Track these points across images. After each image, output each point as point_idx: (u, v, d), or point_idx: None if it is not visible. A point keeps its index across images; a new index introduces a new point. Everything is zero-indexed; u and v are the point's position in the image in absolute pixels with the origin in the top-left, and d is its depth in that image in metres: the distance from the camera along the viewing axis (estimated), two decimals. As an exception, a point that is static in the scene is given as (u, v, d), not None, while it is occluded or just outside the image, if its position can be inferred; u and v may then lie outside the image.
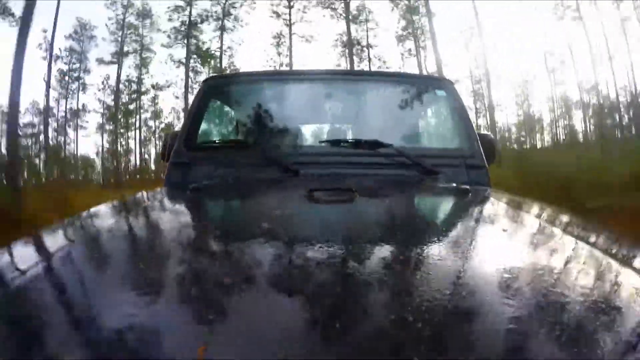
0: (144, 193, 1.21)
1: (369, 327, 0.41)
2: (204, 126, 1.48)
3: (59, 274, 0.57)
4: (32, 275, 0.55)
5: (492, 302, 0.45)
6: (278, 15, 12.43)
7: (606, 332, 0.42)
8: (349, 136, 1.39)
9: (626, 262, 0.62)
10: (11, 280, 0.55)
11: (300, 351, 0.37)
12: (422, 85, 1.64)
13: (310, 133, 1.49)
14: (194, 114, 1.47)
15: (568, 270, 0.57)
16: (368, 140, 1.28)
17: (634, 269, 0.58)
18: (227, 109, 1.68)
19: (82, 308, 0.46)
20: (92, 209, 0.93)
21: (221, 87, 1.62)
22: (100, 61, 11.61)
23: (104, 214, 0.91)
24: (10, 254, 0.65)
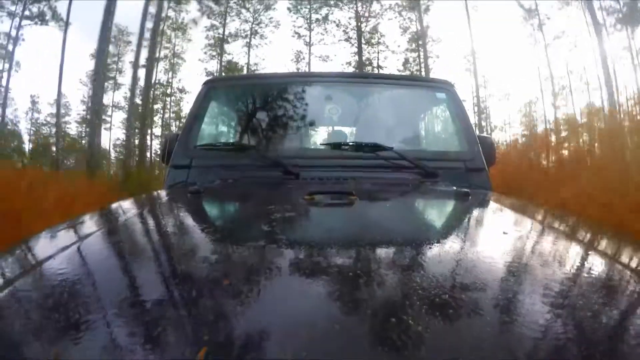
0: (144, 196, 1.21)
1: (370, 329, 0.41)
2: (204, 128, 1.48)
3: (57, 278, 0.57)
4: (22, 283, 0.55)
5: (493, 305, 0.45)
6: (299, 36, 14.11)
7: (609, 333, 0.42)
8: (350, 139, 1.39)
9: (629, 265, 0.62)
10: (5, 282, 0.55)
11: (301, 352, 0.37)
12: (423, 88, 1.63)
13: (311, 135, 1.49)
14: (194, 117, 1.47)
15: (569, 272, 0.56)
16: (368, 143, 1.28)
17: (636, 271, 0.58)
18: (227, 111, 1.68)
19: (86, 309, 0.46)
20: (89, 213, 0.93)
21: (221, 90, 1.62)
22: (134, 64, 12.80)
23: (102, 218, 0.91)
24: (7, 258, 0.65)
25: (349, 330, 0.40)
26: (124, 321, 0.43)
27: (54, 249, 0.66)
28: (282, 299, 0.46)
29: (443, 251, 0.62)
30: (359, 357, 0.37)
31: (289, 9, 14.38)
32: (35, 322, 0.45)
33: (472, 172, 1.33)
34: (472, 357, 0.37)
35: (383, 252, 0.62)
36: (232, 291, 0.48)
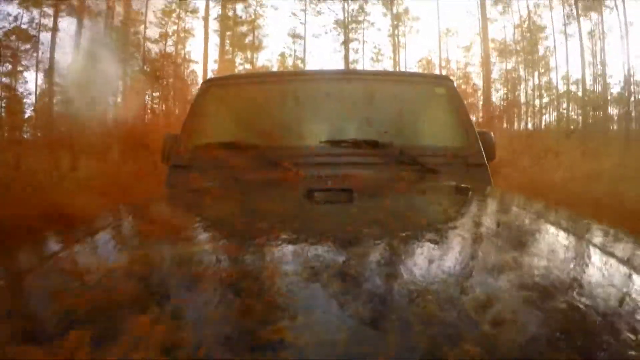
0: (146, 195, 1.22)
1: (373, 325, 0.41)
2: (204, 128, 1.49)
3: (59, 275, 0.58)
4: (24, 282, 0.56)
5: (491, 300, 0.45)
6: (295, 15, 16.50)
7: (606, 330, 0.42)
8: (349, 136, 1.39)
9: (627, 260, 0.62)
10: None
11: (306, 350, 0.37)
12: (421, 84, 1.63)
13: (311, 133, 1.48)
14: (194, 116, 1.48)
15: (565, 267, 0.57)
16: (368, 139, 1.28)
17: (634, 267, 0.58)
18: (227, 110, 1.68)
19: (87, 308, 0.46)
20: (94, 214, 0.94)
21: (221, 89, 1.62)
22: (146, 39, 13.99)
23: (105, 218, 0.92)
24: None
25: (352, 328, 0.40)
26: (126, 320, 0.43)
27: (56, 248, 0.67)
28: (285, 298, 0.47)
29: (444, 247, 0.63)
30: (362, 353, 0.37)
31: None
32: (41, 320, 0.46)
33: (472, 168, 1.33)
34: (472, 351, 0.37)
35: (384, 249, 0.62)
36: (234, 290, 0.48)
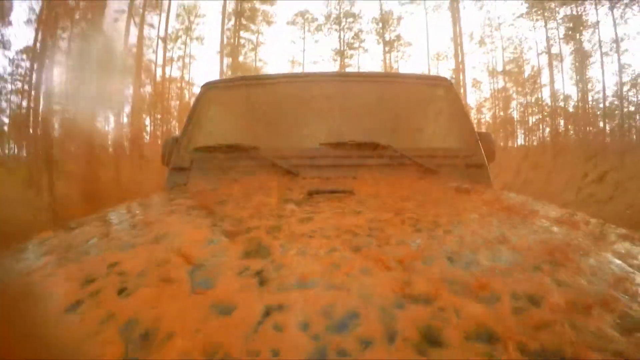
0: (145, 197, 1.20)
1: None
2: (203, 130, 1.49)
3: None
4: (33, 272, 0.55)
5: (490, 300, 0.45)
6: (295, 43, 18.53)
7: (605, 328, 0.42)
8: (348, 138, 1.40)
9: (628, 259, 0.62)
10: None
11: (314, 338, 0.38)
12: (421, 85, 1.64)
13: (310, 135, 1.48)
14: (194, 119, 1.48)
15: (567, 268, 0.56)
16: (367, 141, 1.29)
17: (636, 268, 0.58)
18: (226, 113, 1.69)
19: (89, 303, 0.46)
20: (89, 216, 0.92)
21: (220, 92, 1.62)
22: (153, 62, 15.35)
23: (102, 220, 0.90)
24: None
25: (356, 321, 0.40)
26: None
27: (54, 250, 0.65)
28: (287, 295, 0.46)
29: (443, 248, 0.62)
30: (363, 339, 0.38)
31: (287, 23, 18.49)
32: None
33: (472, 169, 1.34)
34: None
35: (382, 247, 0.61)
36: (235, 291, 0.47)
